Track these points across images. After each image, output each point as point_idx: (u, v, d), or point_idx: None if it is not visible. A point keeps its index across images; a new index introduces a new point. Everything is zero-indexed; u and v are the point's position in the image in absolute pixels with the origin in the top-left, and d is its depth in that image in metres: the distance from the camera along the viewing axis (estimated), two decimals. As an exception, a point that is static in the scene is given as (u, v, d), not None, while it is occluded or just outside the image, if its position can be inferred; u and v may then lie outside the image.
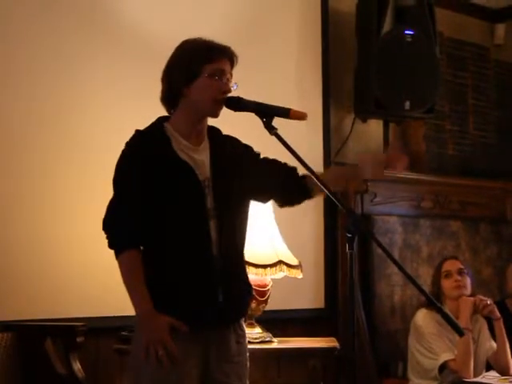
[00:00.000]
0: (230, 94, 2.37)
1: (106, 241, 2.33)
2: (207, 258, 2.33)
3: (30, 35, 3.35)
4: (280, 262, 3.36)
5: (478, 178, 4.92)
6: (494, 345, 3.71)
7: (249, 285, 2.51)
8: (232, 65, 2.41)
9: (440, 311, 2.27)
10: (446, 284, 3.71)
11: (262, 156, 2.53)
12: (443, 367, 3.55)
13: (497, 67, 5.42)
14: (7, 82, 3.29)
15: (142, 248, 2.34)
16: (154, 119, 2.44)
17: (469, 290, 3.71)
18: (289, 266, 3.38)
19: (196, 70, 2.35)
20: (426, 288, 3.64)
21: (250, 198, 2.50)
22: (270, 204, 2.85)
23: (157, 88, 2.43)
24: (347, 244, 2.15)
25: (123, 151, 2.38)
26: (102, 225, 2.34)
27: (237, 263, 2.45)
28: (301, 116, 2.33)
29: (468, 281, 3.73)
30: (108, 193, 2.36)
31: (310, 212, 4.14)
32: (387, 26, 4.34)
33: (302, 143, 3.64)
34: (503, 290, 4.43)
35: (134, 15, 3.64)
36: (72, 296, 3.34)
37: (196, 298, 2.32)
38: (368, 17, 4.38)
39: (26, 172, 3.31)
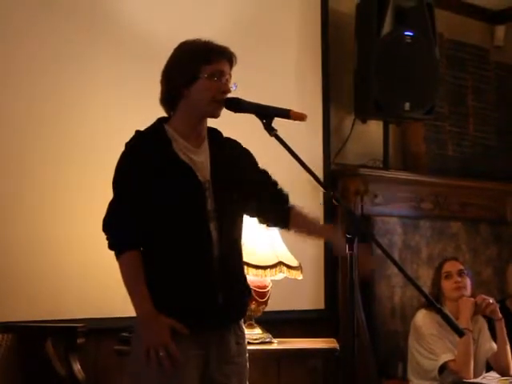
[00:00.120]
0: (229, 95, 2.37)
1: (107, 242, 2.33)
2: (208, 260, 2.33)
3: (30, 35, 3.34)
4: (280, 263, 3.35)
5: (477, 179, 4.92)
6: (494, 345, 3.71)
7: (247, 285, 2.52)
8: (231, 65, 2.40)
9: (440, 312, 2.27)
10: (446, 285, 3.71)
11: (261, 159, 2.53)
12: (443, 368, 3.55)
13: (497, 69, 5.41)
14: (7, 81, 3.29)
15: (142, 249, 2.34)
16: (154, 119, 2.44)
17: (469, 291, 3.71)
18: (289, 267, 3.38)
19: (195, 71, 2.35)
20: (426, 289, 3.63)
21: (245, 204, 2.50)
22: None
23: (157, 88, 2.43)
24: (347, 245, 2.16)
25: (123, 152, 2.37)
26: (102, 226, 2.34)
27: (236, 264, 2.45)
28: (300, 117, 2.32)
29: (468, 282, 3.73)
30: (108, 193, 2.36)
31: (310, 212, 4.13)
32: (387, 27, 4.34)
33: (302, 144, 3.61)
34: (503, 290, 4.43)
35: (134, 15, 3.64)
36: (72, 297, 3.33)
37: (196, 299, 2.32)
38: (368, 18, 4.37)
39: (26, 172, 3.31)
